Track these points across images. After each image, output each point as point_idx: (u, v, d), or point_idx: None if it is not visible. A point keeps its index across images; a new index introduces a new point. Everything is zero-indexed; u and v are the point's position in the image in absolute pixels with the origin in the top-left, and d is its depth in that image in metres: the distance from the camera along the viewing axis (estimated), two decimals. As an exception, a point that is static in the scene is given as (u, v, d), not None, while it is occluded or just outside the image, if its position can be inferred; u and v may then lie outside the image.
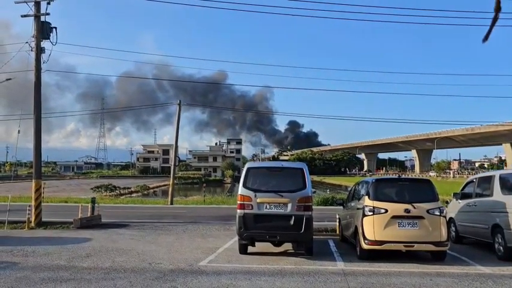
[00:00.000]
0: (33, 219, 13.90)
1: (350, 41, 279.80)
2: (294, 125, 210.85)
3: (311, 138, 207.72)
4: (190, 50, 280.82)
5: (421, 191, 9.14)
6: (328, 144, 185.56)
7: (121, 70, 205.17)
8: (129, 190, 49.56)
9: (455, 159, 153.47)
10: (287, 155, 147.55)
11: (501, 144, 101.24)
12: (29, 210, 13.76)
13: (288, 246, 10.18)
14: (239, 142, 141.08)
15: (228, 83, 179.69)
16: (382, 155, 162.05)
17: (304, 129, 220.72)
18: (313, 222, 9.17)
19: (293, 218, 8.69)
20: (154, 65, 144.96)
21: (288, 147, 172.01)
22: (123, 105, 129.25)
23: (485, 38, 3.10)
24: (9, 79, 22.64)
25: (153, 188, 62.26)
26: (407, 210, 8.51)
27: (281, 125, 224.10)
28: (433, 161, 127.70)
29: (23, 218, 13.89)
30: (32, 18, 14.38)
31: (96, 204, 15.25)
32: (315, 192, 11.64)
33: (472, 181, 11.17)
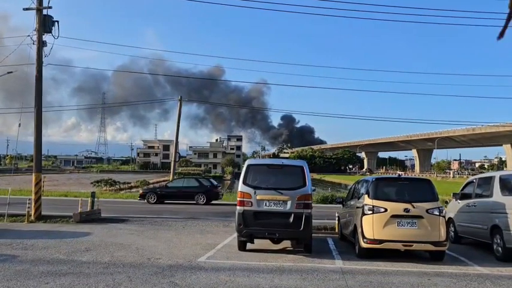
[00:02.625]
0: (33, 212, 13.91)
1: (351, 39, 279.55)
2: (288, 120, 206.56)
3: (307, 134, 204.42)
4: (189, 45, 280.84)
5: (421, 190, 9.14)
6: (325, 142, 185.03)
7: (118, 65, 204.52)
8: (129, 185, 49.62)
9: (455, 159, 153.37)
10: (287, 153, 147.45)
11: (501, 145, 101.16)
12: (28, 203, 13.76)
13: (287, 243, 10.20)
14: (239, 139, 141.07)
15: (225, 77, 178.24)
16: (383, 154, 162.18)
17: (299, 125, 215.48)
18: (313, 220, 9.18)
19: (292, 215, 8.69)
20: (151, 59, 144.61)
21: (288, 145, 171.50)
22: (120, 100, 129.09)
23: (500, 35, 3.09)
24: (11, 72, 22.65)
25: (153, 183, 62.13)
26: (406, 210, 8.51)
27: (275, 121, 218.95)
28: (433, 161, 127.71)
29: (23, 212, 13.91)
30: (34, 11, 14.35)
31: (96, 199, 15.26)
32: (314, 190, 11.64)
33: (471, 181, 11.17)
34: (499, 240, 8.87)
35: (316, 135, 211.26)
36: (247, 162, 9.63)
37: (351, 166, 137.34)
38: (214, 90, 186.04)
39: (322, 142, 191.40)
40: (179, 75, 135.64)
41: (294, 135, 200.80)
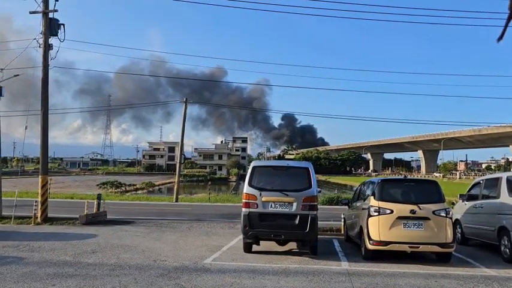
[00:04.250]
0: (39, 214, 13.99)
1: (356, 39, 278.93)
2: (289, 120, 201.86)
3: (308, 134, 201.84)
4: (190, 46, 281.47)
5: (427, 192, 9.09)
6: (327, 142, 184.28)
7: (120, 66, 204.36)
8: (135, 187, 49.95)
9: (461, 160, 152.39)
10: (292, 154, 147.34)
11: (508, 146, 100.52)
12: (35, 205, 13.84)
13: (292, 245, 10.18)
14: (245, 140, 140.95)
15: (227, 78, 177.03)
16: (388, 155, 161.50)
17: (300, 124, 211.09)
18: (318, 222, 9.16)
19: (298, 217, 8.68)
20: (153, 61, 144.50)
21: (294, 146, 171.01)
22: (122, 102, 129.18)
23: (500, 38, 3.07)
24: (17, 75, 22.79)
25: (158, 185, 62.57)
26: (413, 211, 8.47)
27: (277, 122, 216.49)
28: (439, 162, 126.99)
29: (29, 214, 13.99)
30: (41, 14, 14.44)
31: (101, 201, 15.32)
32: (320, 191, 11.60)
33: (478, 183, 11.10)
34: (506, 242, 8.81)
35: (322, 135, 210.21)
36: (252, 164, 9.62)
37: (352, 168, 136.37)
38: (215, 91, 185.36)
39: (324, 142, 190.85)
40: (181, 76, 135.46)
41: (295, 135, 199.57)
